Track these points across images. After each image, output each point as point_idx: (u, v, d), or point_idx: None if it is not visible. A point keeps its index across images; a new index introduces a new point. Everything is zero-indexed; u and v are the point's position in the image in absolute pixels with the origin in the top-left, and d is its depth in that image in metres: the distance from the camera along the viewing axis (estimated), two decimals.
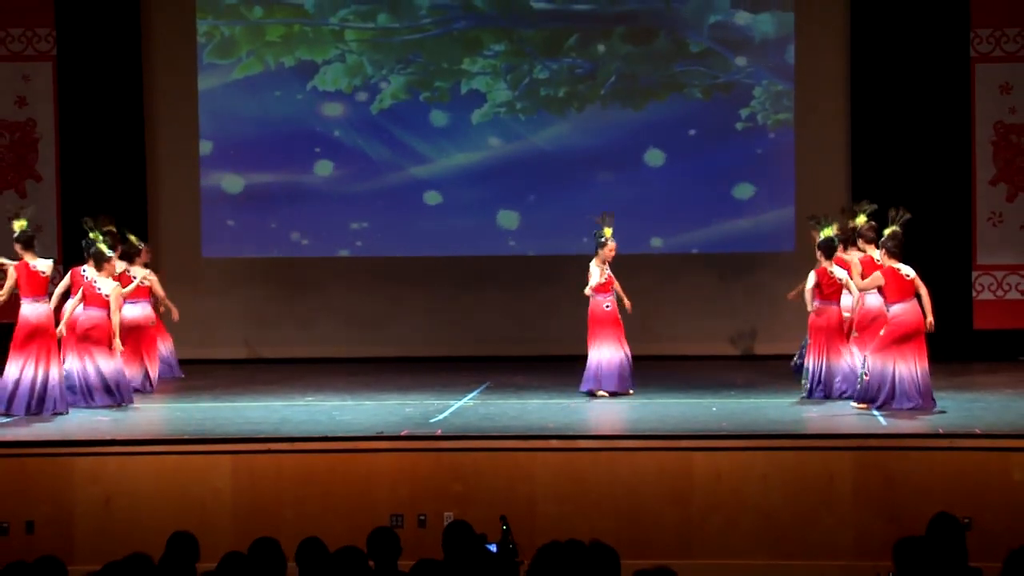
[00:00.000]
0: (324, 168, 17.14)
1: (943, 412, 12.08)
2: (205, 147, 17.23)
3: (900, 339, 12.25)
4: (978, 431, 11.03)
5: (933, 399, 12.30)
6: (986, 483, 10.49)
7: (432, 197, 17.18)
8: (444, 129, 17.18)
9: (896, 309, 12.32)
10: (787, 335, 16.46)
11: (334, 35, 17.19)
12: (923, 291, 12.43)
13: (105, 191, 16.61)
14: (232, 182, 17.28)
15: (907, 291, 12.41)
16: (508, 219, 17.18)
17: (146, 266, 14.84)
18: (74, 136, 17.05)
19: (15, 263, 12.75)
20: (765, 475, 10.63)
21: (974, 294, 16.75)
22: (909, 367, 12.22)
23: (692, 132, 17.01)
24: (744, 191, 17.05)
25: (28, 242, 12.85)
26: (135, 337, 14.16)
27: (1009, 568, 6.00)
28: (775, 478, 10.62)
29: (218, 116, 17.23)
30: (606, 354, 13.58)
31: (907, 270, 12.43)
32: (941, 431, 11.08)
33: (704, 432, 11.28)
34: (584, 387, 13.62)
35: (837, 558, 10.28)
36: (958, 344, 16.34)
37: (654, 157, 17.11)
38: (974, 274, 16.77)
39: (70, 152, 17.06)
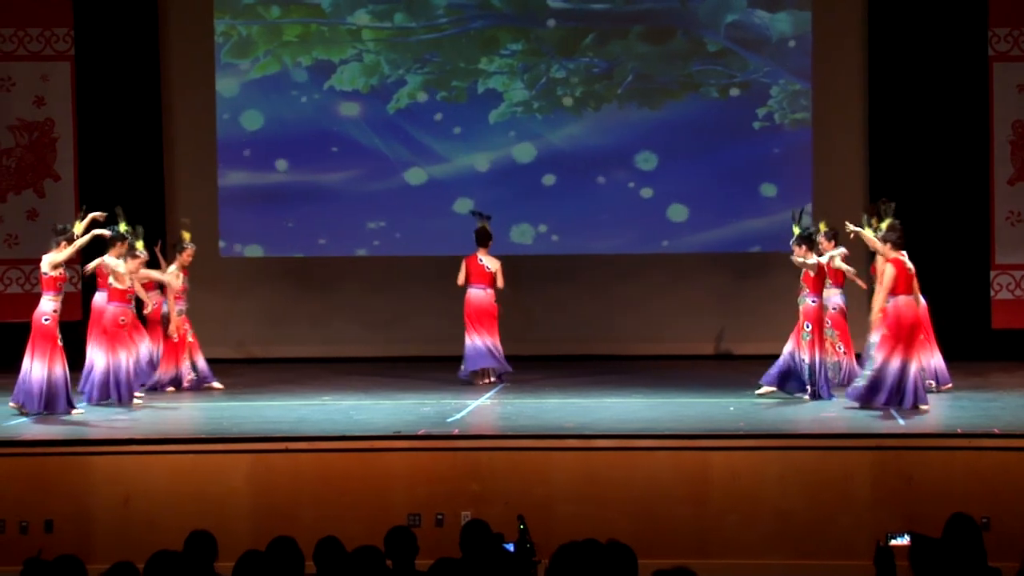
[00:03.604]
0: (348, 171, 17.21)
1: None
2: (222, 147, 17.26)
3: (908, 334, 12.25)
4: (996, 431, 11.01)
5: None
6: (1004, 483, 10.47)
7: (448, 196, 17.19)
8: (461, 128, 17.18)
9: (900, 301, 12.31)
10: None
11: (351, 35, 17.20)
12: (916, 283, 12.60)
13: (123, 190, 16.59)
14: (250, 181, 17.31)
15: (911, 283, 12.47)
16: (525, 218, 17.18)
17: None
18: (92, 136, 17.08)
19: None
20: (782, 475, 10.63)
21: (992, 293, 16.71)
22: (916, 363, 12.28)
23: (708, 132, 17.02)
24: (761, 191, 17.03)
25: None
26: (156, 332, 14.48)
27: None
28: (792, 478, 10.61)
29: (235, 116, 17.25)
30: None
31: (910, 263, 12.52)
32: (959, 431, 11.07)
33: (721, 432, 11.27)
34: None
35: (854, 558, 10.24)
36: (976, 343, 16.30)
37: (670, 157, 17.10)
38: (992, 273, 16.73)
39: (88, 151, 17.10)
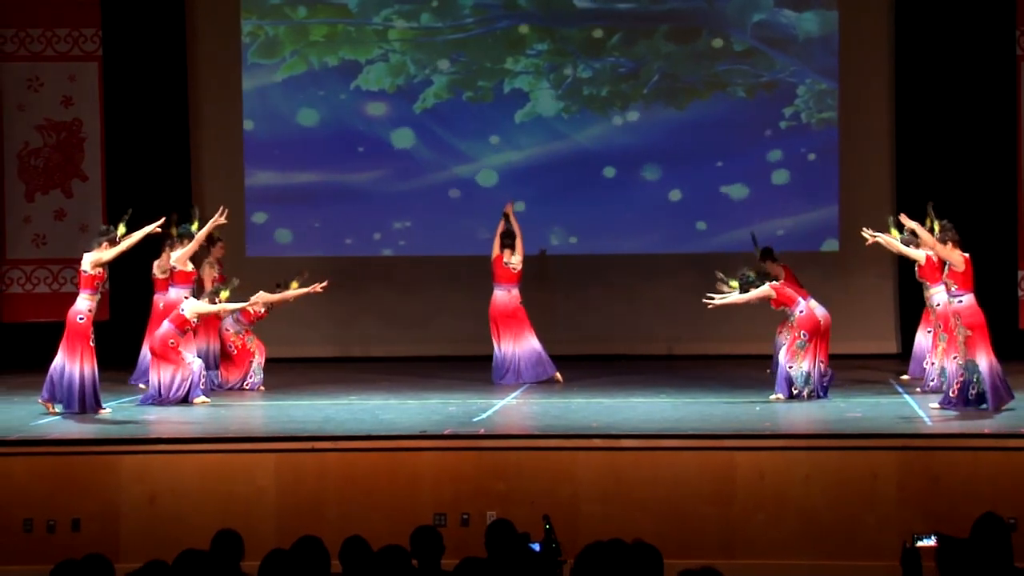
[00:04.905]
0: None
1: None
2: (249, 147, 17.31)
3: (985, 332, 12.24)
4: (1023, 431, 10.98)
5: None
6: None
7: (474, 196, 17.21)
8: (487, 129, 17.20)
9: (969, 299, 12.24)
10: (832, 334, 16.39)
11: (377, 35, 17.23)
12: None
13: (150, 191, 16.68)
14: (276, 182, 17.35)
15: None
16: (550, 217, 17.18)
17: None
18: (119, 136, 17.15)
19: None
20: (808, 475, 10.60)
21: (1019, 293, 16.68)
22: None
23: (734, 132, 17.02)
24: (788, 190, 17.02)
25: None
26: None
27: None
28: (818, 478, 10.59)
29: (262, 116, 17.30)
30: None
31: None
32: (987, 431, 11.03)
33: (747, 432, 11.26)
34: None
35: (880, 559, 10.22)
36: (1003, 344, 16.09)
37: (696, 156, 17.09)
38: (1020, 273, 16.69)
39: (116, 152, 17.16)
